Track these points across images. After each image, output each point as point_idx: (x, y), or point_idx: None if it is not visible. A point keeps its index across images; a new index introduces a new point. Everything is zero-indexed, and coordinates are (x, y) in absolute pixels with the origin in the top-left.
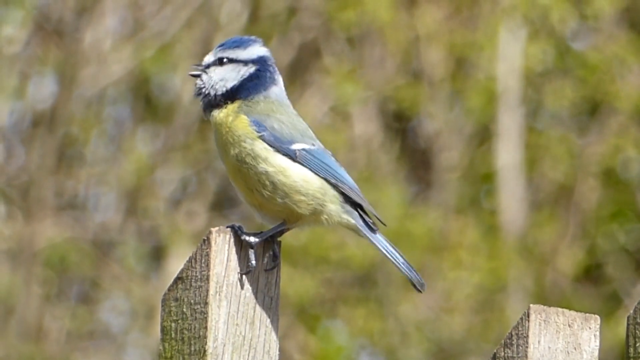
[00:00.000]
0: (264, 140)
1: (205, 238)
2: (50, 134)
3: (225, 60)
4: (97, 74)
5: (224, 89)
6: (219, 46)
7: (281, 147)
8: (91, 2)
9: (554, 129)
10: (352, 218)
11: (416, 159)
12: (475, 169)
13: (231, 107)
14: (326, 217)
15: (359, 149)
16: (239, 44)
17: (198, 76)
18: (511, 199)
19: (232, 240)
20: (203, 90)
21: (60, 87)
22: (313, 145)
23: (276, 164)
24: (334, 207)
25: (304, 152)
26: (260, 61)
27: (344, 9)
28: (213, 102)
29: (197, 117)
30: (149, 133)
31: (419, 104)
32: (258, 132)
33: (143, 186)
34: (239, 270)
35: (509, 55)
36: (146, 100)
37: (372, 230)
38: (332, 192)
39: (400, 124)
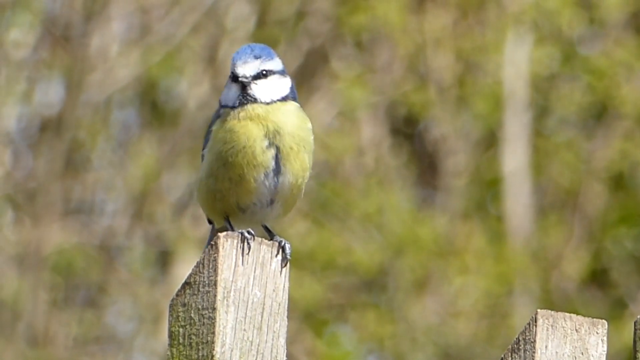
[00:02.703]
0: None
1: (213, 243)
2: (58, 139)
3: (265, 72)
4: (104, 79)
5: (279, 96)
6: (255, 58)
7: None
8: (98, 7)
9: (561, 134)
10: None
11: (423, 164)
12: (482, 173)
13: (284, 104)
14: None
15: (366, 154)
16: (269, 55)
17: (247, 85)
18: (518, 204)
19: (239, 245)
20: (257, 98)
21: (68, 92)
22: None
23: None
24: None
25: None
26: (285, 69)
27: (354, 13)
28: (260, 102)
29: (204, 122)
30: (155, 138)
31: (427, 109)
32: (312, 136)
33: (150, 191)
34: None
35: (516, 60)
36: (153, 105)
37: None
38: None
39: (408, 129)
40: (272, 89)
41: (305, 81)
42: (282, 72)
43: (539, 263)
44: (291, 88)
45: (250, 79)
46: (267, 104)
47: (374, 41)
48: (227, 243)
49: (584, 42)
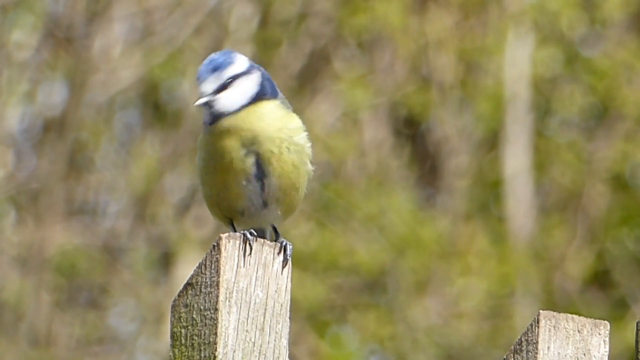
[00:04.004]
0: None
1: (215, 244)
2: (60, 140)
3: (229, 80)
4: (107, 80)
5: (248, 99)
6: (213, 71)
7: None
8: (101, 8)
9: (563, 135)
10: None
11: (426, 165)
12: (484, 174)
13: (257, 106)
14: None
15: (369, 155)
16: (228, 60)
17: (208, 104)
18: (520, 205)
19: (242, 246)
20: (224, 110)
21: (70, 93)
22: None
23: (309, 166)
24: None
25: None
26: (254, 66)
27: (356, 14)
28: (230, 113)
29: None
30: (158, 139)
31: (429, 110)
32: (305, 131)
33: (152, 192)
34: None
35: (518, 61)
36: (155, 107)
37: None
38: None
39: (410, 130)
40: (238, 94)
41: (307, 82)
42: (247, 72)
43: (541, 264)
44: (262, 84)
45: (212, 95)
46: (237, 111)
47: (376, 42)
48: (229, 244)
49: (585, 43)
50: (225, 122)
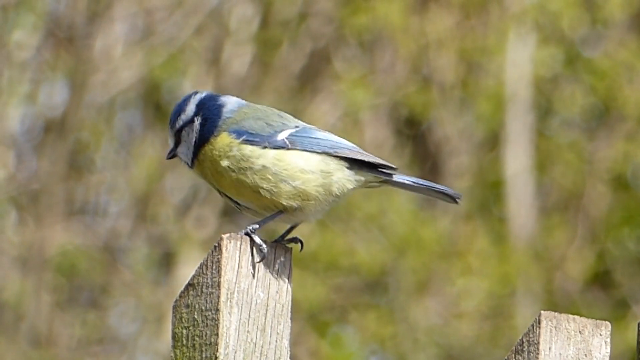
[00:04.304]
0: (248, 143)
1: (217, 244)
2: (61, 140)
3: (178, 132)
4: (108, 80)
5: (194, 145)
6: (171, 124)
7: (269, 142)
8: (102, 8)
9: (564, 135)
10: (363, 175)
11: (426, 165)
12: (485, 174)
13: (207, 146)
14: (337, 187)
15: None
16: (178, 112)
17: (174, 156)
18: (521, 205)
19: (243, 246)
20: (187, 161)
21: (71, 94)
22: (297, 126)
23: (270, 156)
24: (342, 174)
25: (292, 137)
26: (200, 106)
27: (356, 14)
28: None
29: None
30: (159, 139)
31: (429, 110)
32: (238, 138)
33: (153, 192)
34: (251, 270)
35: (519, 61)
36: (156, 107)
37: (389, 175)
38: (334, 161)
39: (410, 130)
40: (185, 148)
41: (308, 82)
42: (190, 120)
43: (541, 264)
44: (200, 128)
45: (175, 150)
46: (193, 159)
47: (377, 42)
48: (231, 244)
49: (586, 43)
50: (197, 168)
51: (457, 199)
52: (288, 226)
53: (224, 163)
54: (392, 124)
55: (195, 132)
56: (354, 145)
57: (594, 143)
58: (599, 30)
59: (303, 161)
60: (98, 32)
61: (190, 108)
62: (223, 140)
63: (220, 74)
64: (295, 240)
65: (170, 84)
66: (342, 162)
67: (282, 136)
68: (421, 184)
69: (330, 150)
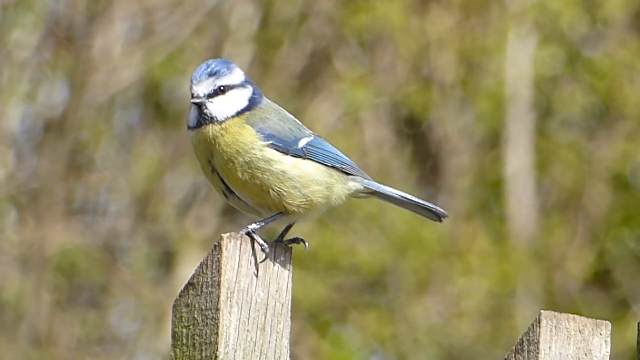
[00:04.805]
0: (272, 147)
1: (217, 244)
2: (61, 139)
3: (222, 88)
4: (108, 79)
5: (236, 111)
6: (211, 75)
7: (290, 149)
8: (101, 8)
9: (564, 134)
10: (356, 182)
11: (426, 164)
12: (485, 174)
13: (231, 122)
14: (335, 198)
15: (370, 154)
16: (227, 70)
17: (202, 105)
18: (521, 204)
19: (243, 246)
20: (214, 116)
21: (71, 93)
22: (311, 135)
23: (289, 162)
24: (340, 186)
25: (308, 147)
26: (248, 82)
27: (356, 14)
28: (215, 122)
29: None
30: (159, 139)
31: (430, 109)
32: (265, 140)
33: (153, 192)
34: (253, 270)
35: (519, 61)
36: (156, 106)
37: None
38: (336, 174)
39: (411, 129)
40: (229, 104)
41: (308, 82)
42: (242, 84)
43: (542, 263)
44: (251, 99)
45: (204, 98)
46: (221, 123)
47: (377, 42)
48: (231, 244)
49: (586, 43)
50: (206, 132)
51: (442, 218)
52: (284, 225)
53: (242, 159)
54: (392, 123)
55: (243, 98)
56: (351, 161)
57: (593, 143)
58: (598, 30)
59: (315, 171)
60: (98, 31)
61: (239, 73)
62: (246, 133)
63: None
64: (297, 240)
65: (170, 83)
66: (342, 175)
67: (301, 144)
68: (409, 199)
69: (337, 165)
